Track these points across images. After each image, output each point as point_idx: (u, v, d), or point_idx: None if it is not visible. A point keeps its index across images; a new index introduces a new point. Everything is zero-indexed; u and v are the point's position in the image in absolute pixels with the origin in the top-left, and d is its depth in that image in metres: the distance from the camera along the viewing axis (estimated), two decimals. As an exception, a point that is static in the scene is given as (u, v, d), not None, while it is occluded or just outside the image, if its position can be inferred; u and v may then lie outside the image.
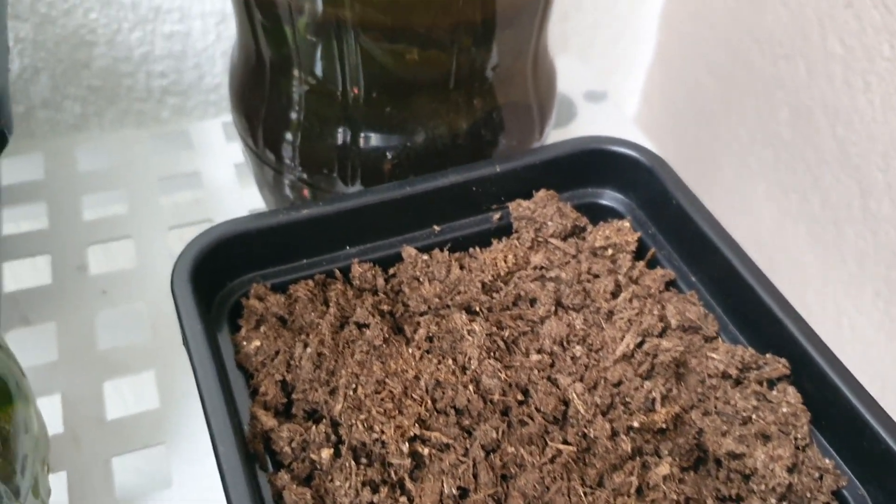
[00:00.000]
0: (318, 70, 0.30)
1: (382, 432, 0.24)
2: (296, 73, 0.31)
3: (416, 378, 0.26)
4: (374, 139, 0.31)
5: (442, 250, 0.31)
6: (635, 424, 0.25)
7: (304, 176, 0.33)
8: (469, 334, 0.26)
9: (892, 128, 0.40)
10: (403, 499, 0.23)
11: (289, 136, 0.32)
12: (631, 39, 0.60)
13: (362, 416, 0.25)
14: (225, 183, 0.43)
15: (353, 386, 0.25)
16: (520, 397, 0.26)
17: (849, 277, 0.45)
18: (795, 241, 0.48)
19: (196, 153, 0.45)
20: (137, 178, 0.43)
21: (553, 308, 0.28)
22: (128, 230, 0.40)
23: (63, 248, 0.39)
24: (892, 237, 0.42)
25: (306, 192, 0.34)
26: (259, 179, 0.37)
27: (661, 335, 0.27)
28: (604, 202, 0.32)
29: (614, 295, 0.28)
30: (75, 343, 0.35)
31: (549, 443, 0.25)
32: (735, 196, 0.53)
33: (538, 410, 0.25)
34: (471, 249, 0.31)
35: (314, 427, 0.25)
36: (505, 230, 0.32)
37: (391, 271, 0.30)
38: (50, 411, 0.31)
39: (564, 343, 0.27)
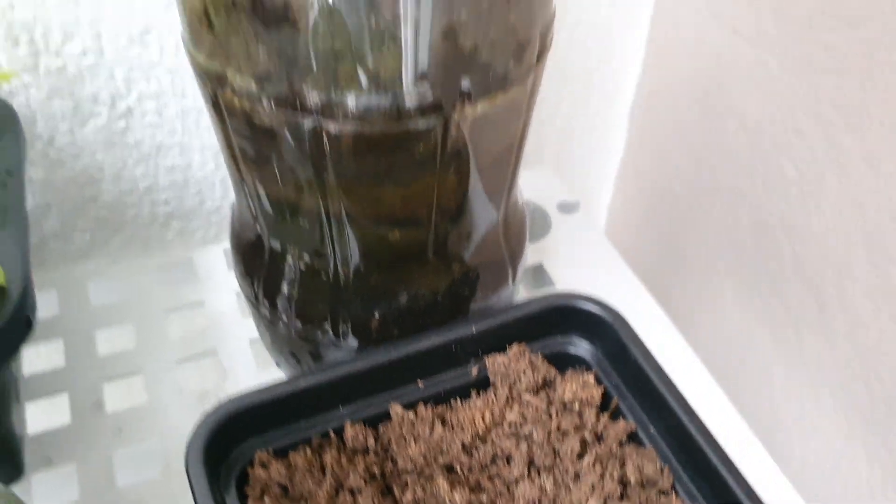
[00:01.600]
0: (311, 248, 0.34)
1: None
2: (291, 249, 0.34)
3: (404, 543, 0.29)
4: (362, 302, 0.35)
5: (426, 405, 0.34)
6: (599, 585, 0.28)
7: (299, 327, 0.37)
8: (450, 503, 0.29)
9: (842, 251, 0.44)
10: None
11: (285, 296, 0.36)
12: (600, 145, 0.64)
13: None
14: (227, 311, 0.46)
15: (348, 554, 0.29)
16: (497, 560, 0.29)
17: (809, 380, 0.48)
18: (762, 341, 0.52)
19: (200, 282, 0.48)
20: (145, 311, 0.46)
21: (526, 469, 0.31)
22: (138, 365, 0.43)
23: (80, 386, 0.42)
24: (845, 350, 0.45)
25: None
26: (257, 321, 0.40)
27: (621, 497, 0.30)
28: (572, 351, 0.36)
29: (580, 456, 0.31)
30: (95, 483, 0.38)
31: None
32: (704, 296, 0.56)
33: (513, 572, 0.29)
34: (452, 402, 0.34)
35: None
36: (483, 382, 0.35)
37: (381, 429, 0.33)
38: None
39: (537, 504, 0.30)
